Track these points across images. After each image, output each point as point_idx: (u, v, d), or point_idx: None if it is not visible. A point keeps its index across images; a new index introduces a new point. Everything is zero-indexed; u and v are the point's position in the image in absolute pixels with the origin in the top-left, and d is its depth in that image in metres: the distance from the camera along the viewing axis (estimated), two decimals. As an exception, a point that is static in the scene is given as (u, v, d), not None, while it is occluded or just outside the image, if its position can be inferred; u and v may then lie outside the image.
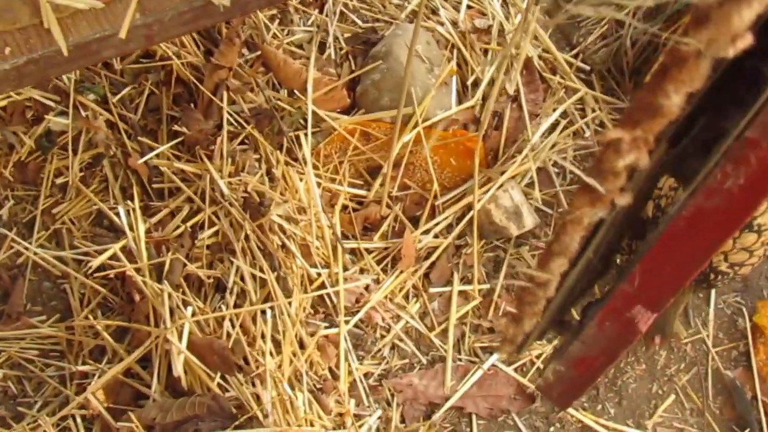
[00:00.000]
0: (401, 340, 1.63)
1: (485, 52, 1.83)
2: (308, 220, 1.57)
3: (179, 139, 1.62)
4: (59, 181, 1.65)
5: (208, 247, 1.54)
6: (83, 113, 1.63)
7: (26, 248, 1.59)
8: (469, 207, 1.70)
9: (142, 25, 0.89)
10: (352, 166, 1.70)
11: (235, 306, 1.49)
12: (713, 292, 1.76)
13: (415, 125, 1.65)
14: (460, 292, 1.67)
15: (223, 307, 1.48)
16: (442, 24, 1.83)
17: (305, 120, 1.64)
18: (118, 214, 1.58)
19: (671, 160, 0.60)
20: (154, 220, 1.58)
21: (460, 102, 1.74)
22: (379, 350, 1.61)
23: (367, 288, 1.63)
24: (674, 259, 0.58)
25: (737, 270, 1.41)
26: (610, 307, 0.64)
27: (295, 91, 1.67)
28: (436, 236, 1.69)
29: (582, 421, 1.61)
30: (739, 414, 1.66)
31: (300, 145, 1.63)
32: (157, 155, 1.60)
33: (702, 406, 1.67)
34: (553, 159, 1.79)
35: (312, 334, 1.52)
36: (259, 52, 1.70)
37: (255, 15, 1.73)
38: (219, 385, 1.41)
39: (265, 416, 1.37)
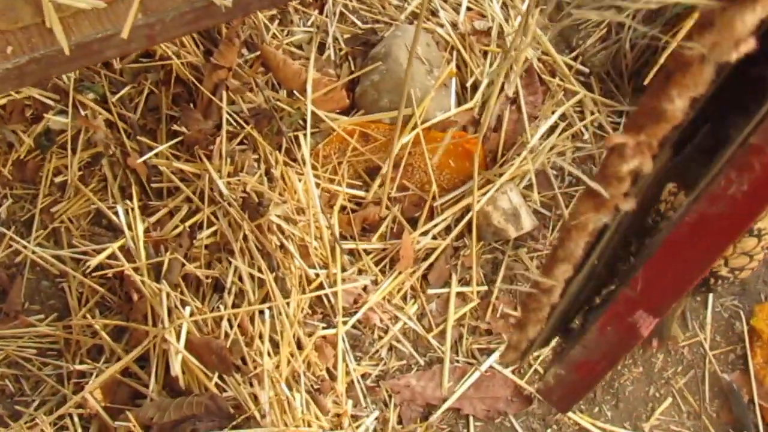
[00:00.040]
0: (399, 341, 1.63)
1: (485, 54, 1.84)
2: (307, 220, 1.57)
3: (178, 139, 1.61)
4: (58, 179, 1.65)
5: (206, 246, 1.54)
6: (82, 112, 1.63)
7: (25, 247, 1.59)
8: (468, 209, 1.70)
9: (144, 25, 0.89)
10: (351, 166, 1.70)
11: (233, 306, 1.49)
12: (711, 295, 1.77)
13: (414, 126, 1.65)
14: (458, 294, 1.68)
15: (221, 307, 1.48)
16: (441, 26, 1.84)
17: (304, 120, 1.64)
18: (116, 214, 1.58)
19: (675, 167, 0.60)
20: (152, 219, 1.58)
21: (459, 104, 1.75)
22: (377, 351, 1.61)
23: (365, 289, 1.63)
24: (677, 265, 0.58)
25: (737, 274, 1.41)
26: (612, 311, 0.64)
27: (295, 92, 1.67)
28: (434, 237, 1.69)
29: (579, 424, 1.61)
30: (735, 417, 1.66)
31: (299, 145, 1.63)
32: (156, 155, 1.60)
33: (699, 410, 1.67)
34: (552, 160, 1.80)
35: (310, 335, 1.52)
36: (258, 53, 1.70)
37: (255, 15, 1.73)
38: (217, 385, 1.41)
39: (263, 416, 1.37)
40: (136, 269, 1.49)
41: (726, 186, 0.51)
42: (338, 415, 1.50)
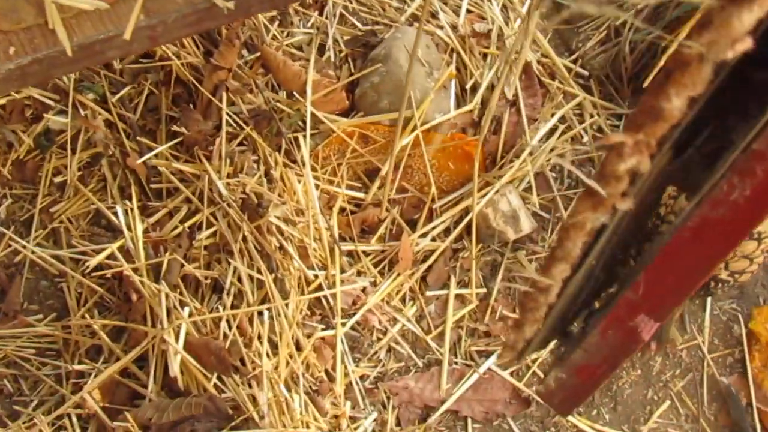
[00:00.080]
0: (397, 342, 1.63)
1: (484, 56, 1.84)
2: (306, 221, 1.57)
3: (178, 140, 1.61)
4: (57, 179, 1.65)
5: (205, 247, 1.54)
6: (82, 112, 1.63)
7: (24, 247, 1.59)
8: (467, 211, 1.70)
9: (146, 27, 0.89)
10: (351, 168, 1.70)
11: (232, 307, 1.49)
12: (709, 298, 1.77)
13: (414, 128, 1.65)
14: (457, 296, 1.68)
15: (220, 308, 1.48)
16: (441, 28, 1.84)
17: (304, 122, 1.64)
18: (116, 214, 1.58)
19: (676, 171, 0.60)
20: (152, 220, 1.58)
21: (458, 106, 1.75)
22: (376, 353, 1.62)
23: (364, 290, 1.63)
24: (679, 269, 0.58)
25: (737, 278, 1.42)
26: (614, 315, 0.64)
27: (294, 93, 1.67)
28: (433, 239, 1.69)
29: (577, 426, 1.61)
30: (733, 421, 1.67)
31: (298, 146, 1.63)
32: (156, 155, 1.60)
33: (697, 413, 1.67)
34: (551, 163, 1.80)
35: (309, 336, 1.52)
36: (258, 54, 1.70)
37: (255, 16, 1.73)
38: (215, 385, 1.41)
39: (261, 417, 1.37)
40: (135, 270, 1.49)
41: (728, 191, 0.51)
42: (336, 417, 1.50)
